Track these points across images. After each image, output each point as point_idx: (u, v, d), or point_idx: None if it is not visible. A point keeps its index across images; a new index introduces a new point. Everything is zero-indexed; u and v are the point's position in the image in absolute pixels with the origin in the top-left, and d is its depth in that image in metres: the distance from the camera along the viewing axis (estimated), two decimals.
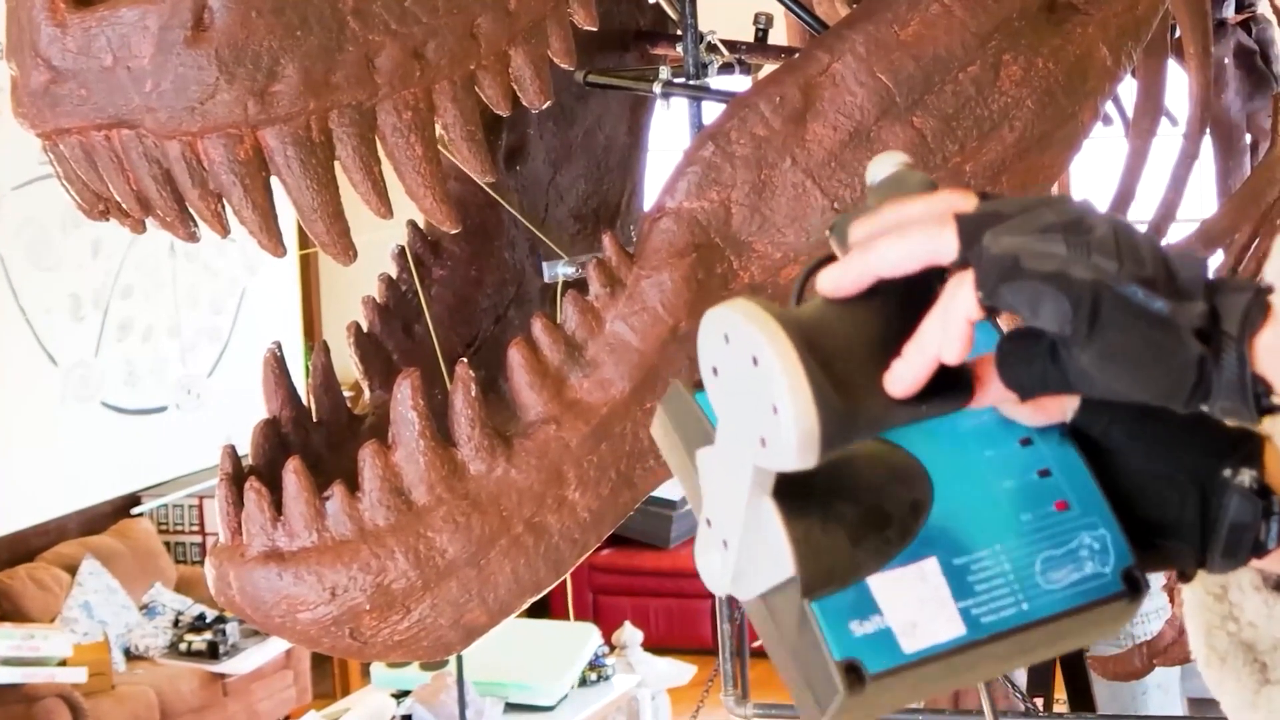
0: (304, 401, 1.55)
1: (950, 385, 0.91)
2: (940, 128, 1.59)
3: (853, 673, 0.89)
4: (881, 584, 0.92)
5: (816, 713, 0.91)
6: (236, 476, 1.44)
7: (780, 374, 0.84)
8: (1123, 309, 0.84)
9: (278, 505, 1.40)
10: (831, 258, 0.94)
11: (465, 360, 1.44)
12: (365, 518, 1.38)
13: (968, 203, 0.90)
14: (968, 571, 0.93)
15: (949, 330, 0.87)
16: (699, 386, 0.96)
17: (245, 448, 1.52)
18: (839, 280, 0.90)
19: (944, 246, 0.87)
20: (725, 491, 0.91)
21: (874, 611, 0.91)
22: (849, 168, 1.56)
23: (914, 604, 0.92)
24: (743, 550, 0.91)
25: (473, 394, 1.40)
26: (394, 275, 1.71)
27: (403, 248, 1.72)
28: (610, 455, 1.45)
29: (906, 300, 0.90)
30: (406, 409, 1.38)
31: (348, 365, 1.66)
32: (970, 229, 0.87)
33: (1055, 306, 0.84)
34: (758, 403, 0.86)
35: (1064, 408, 0.98)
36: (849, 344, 0.88)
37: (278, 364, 1.53)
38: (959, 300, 0.86)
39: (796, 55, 1.66)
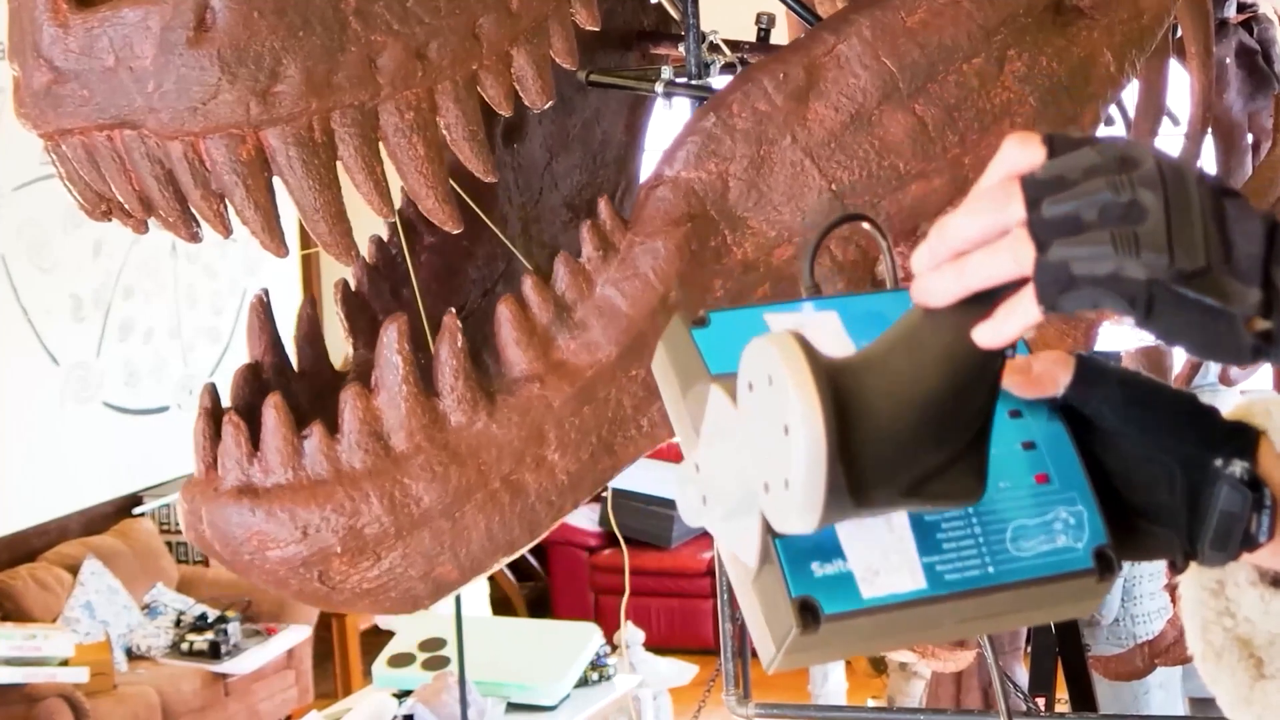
0: (288, 354, 1.53)
1: (956, 484, 0.91)
2: (942, 117, 1.58)
3: (808, 611, 0.89)
4: (848, 530, 0.92)
5: (771, 648, 0.92)
6: (215, 413, 1.42)
7: (802, 465, 0.83)
8: (1176, 303, 0.85)
9: (255, 444, 1.38)
10: (846, 219, 0.94)
11: (453, 310, 1.43)
12: (342, 459, 1.37)
13: (1031, 154, 0.90)
14: (937, 529, 0.94)
15: (1006, 328, 0.88)
16: (699, 323, 0.96)
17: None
18: (920, 269, 0.91)
19: (1011, 214, 0.88)
20: (723, 468, 0.91)
21: (837, 555, 0.91)
22: (848, 150, 1.55)
23: (878, 552, 0.92)
24: (723, 501, 0.91)
25: (459, 344, 1.39)
26: (385, 238, 1.69)
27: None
28: (593, 419, 1.44)
29: (975, 375, 0.90)
30: (392, 353, 1.37)
31: (338, 343, 1.64)
32: (1034, 195, 0.88)
33: (1114, 304, 0.86)
34: (775, 455, 0.85)
35: (1057, 380, 0.98)
36: (886, 425, 0.86)
37: (263, 309, 1.51)
38: (1021, 309, 0.87)
39: (802, 36, 1.65)
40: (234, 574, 1.44)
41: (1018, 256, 0.87)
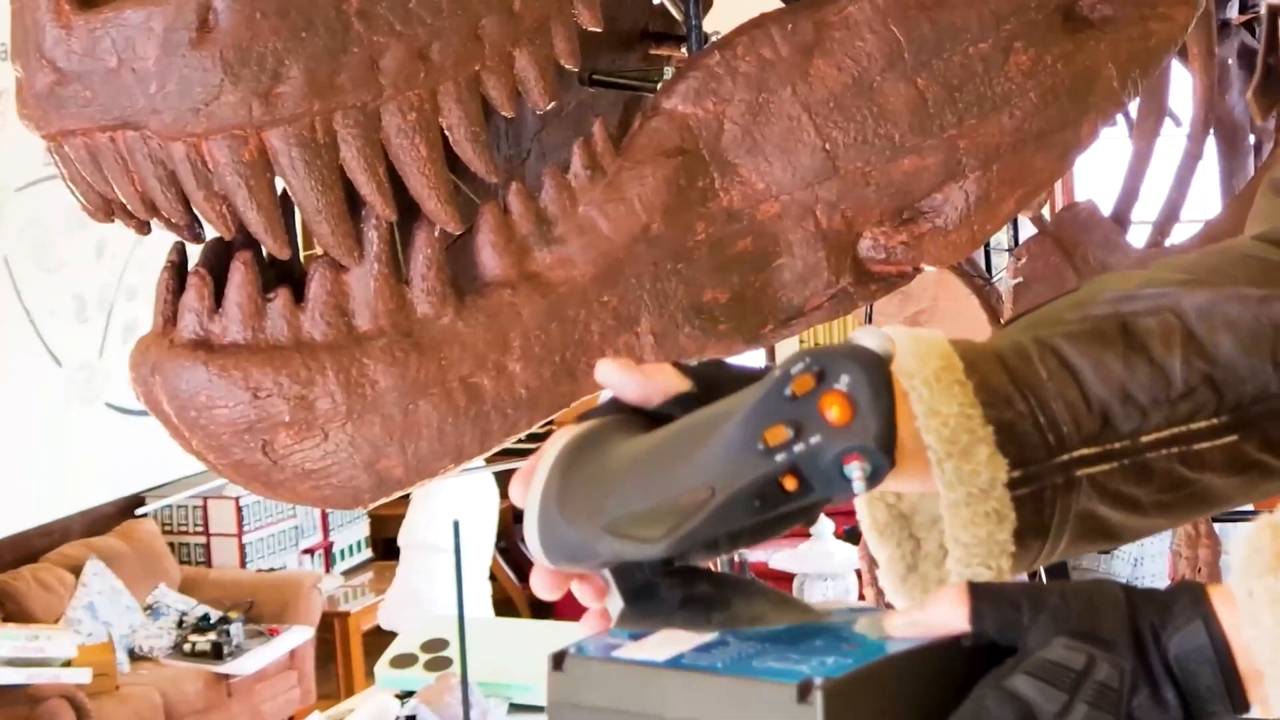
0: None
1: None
2: (943, 95, 1.58)
3: (559, 655, 0.94)
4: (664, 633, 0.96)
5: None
6: (180, 268, 1.40)
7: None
8: None
9: (218, 305, 1.36)
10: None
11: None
12: (304, 328, 1.35)
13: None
14: (721, 643, 0.95)
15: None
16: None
17: None
18: None
19: None
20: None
21: (630, 638, 0.95)
22: (847, 111, 1.55)
23: (663, 639, 0.95)
24: None
25: (435, 234, 1.38)
26: None
27: None
28: (559, 337, 1.42)
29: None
30: (369, 228, 1.36)
31: None
32: None
33: None
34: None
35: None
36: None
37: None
38: None
39: None
40: (176, 438, 1.40)
41: None
